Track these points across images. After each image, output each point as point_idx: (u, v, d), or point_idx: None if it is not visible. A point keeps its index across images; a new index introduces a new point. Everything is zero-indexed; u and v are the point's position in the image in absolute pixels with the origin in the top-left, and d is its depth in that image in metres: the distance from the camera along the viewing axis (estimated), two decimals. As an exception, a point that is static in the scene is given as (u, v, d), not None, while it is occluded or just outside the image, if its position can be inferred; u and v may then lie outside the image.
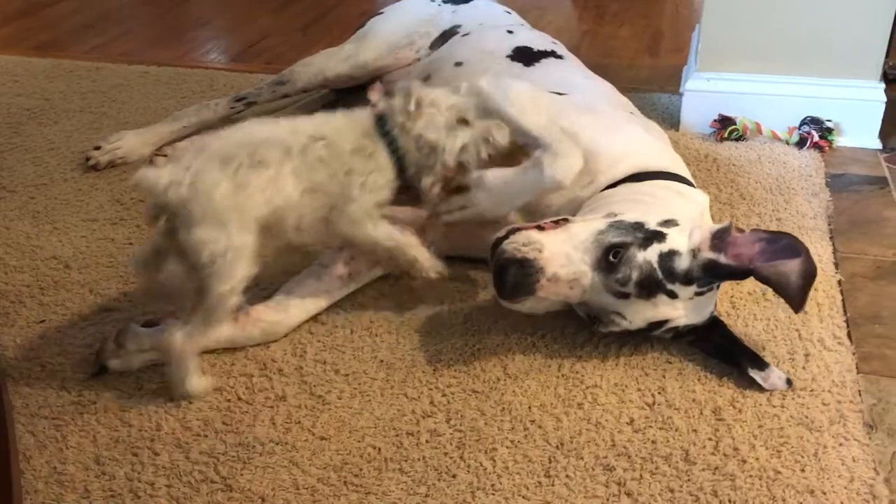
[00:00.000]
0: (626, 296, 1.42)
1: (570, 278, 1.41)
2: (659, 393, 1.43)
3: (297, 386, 1.46)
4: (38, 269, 1.77)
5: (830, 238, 1.85)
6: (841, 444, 1.32)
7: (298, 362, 1.51)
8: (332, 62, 2.27)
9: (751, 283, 1.69)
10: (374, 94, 2.30)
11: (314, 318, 1.60)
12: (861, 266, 1.77)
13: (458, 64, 2.02)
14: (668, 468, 1.29)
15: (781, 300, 1.62)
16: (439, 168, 1.50)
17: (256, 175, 1.36)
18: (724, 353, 1.49)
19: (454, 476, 1.28)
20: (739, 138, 2.25)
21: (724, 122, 2.26)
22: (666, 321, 1.46)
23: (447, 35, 2.22)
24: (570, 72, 1.94)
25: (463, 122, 1.51)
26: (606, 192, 1.59)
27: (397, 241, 1.49)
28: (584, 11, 3.43)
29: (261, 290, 1.67)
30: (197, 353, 1.41)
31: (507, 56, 1.97)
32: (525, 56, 1.97)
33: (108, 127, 2.37)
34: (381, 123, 1.50)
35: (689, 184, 1.66)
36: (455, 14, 2.27)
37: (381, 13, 2.39)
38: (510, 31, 2.09)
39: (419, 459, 1.31)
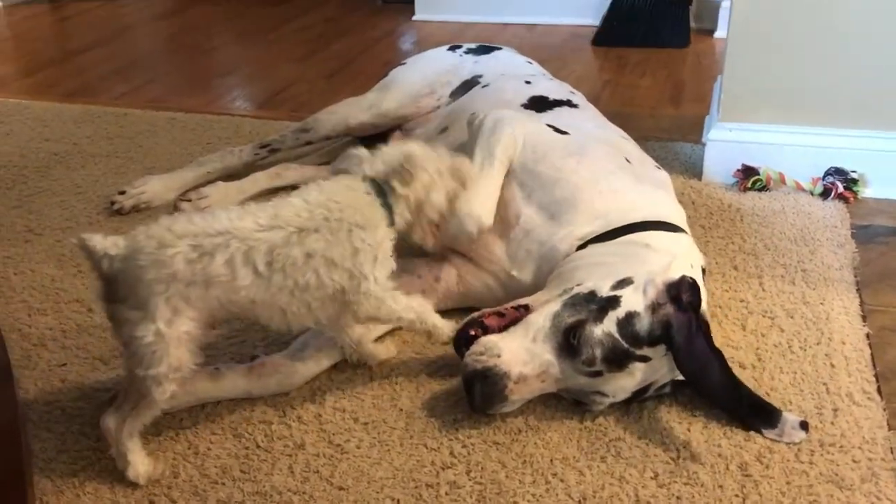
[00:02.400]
0: (598, 374, 1.40)
1: (538, 372, 1.40)
2: (684, 447, 1.40)
3: (315, 434, 1.44)
4: (61, 312, 1.78)
5: (857, 290, 1.82)
6: (873, 504, 1.28)
7: (318, 410, 1.49)
8: (354, 110, 2.30)
9: (776, 335, 1.67)
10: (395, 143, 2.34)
11: (333, 366, 1.59)
12: (889, 319, 1.74)
13: None
14: (693, 525, 1.26)
15: (808, 353, 1.61)
16: (426, 223, 1.49)
17: (204, 267, 1.28)
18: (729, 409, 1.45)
19: (474, 530, 1.25)
20: (763, 188, 2.24)
21: (748, 172, 2.25)
22: (651, 384, 1.44)
23: (468, 85, 2.24)
24: (581, 120, 1.94)
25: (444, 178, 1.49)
26: (576, 255, 1.58)
27: (416, 311, 1.46)
28: (606, 61, 3.46)
29: (277, 338, 1.66)
30: (134, 436, 1.33)
31: (522, 105, 1.99)
32: (539, 104, 1.99)
33: (134, 172, 2.40)
34: (377, 188, 1.44)
35: (679, 229, 1.64)
36: (477, 64, 2.29)
37: (404, 63, 2.43)
38: (528, 82, 2.11)
39: (439, 512, 1.29)
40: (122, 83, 3.26)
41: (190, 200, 2.12)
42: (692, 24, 3.66)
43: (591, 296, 1.43)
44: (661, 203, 1.69)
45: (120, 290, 1.29)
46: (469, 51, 2.37)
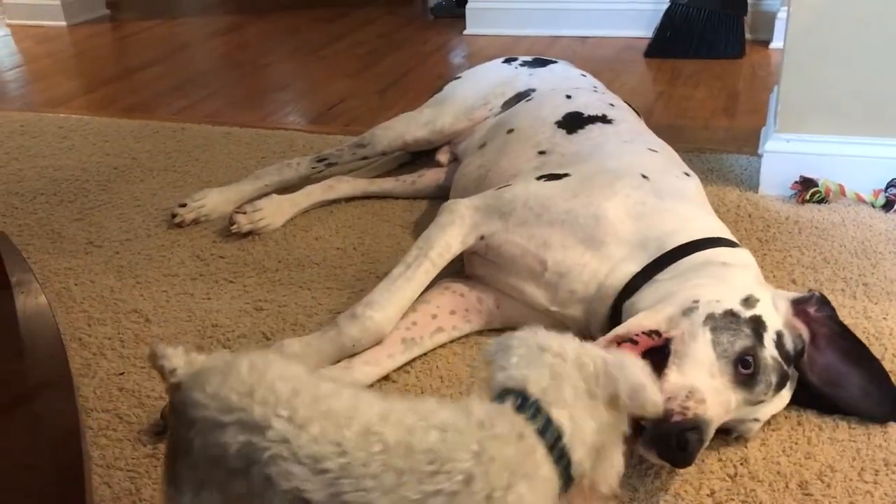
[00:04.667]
0: (762, 401, 1.35)
1: (724, 412, 1.30)
2: (741, 464, 1.37)
3: (367, 445, 1.44)
4: (119, 323, 1.82)
5: (922, 305, 1.77)
6: (941, 526, 1.24)
7: (369, 421, 1.50)
8: (411, 127, 2.31)
9: (837, 351, 1.62)
10: (443, 157, 2.34)
11: (385, 377, 1.59)
12: (956, 335, 1.68)
13: (511, 131, 2.03)
14: (752, 544, 1.23)
15: (871, 369, 1.56)
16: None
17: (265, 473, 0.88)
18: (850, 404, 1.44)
19: (526, 544, 1.24)
20: (822, 201, 2.19)
21: (806, 183, 2.20)
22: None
23: (521, 97, 2.23)
24: (610, 137, 1.89)
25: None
26: (660, 278, 1.50)
27: None
28: (659, 73, 3.42)
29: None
30: None
31: (556, 122, 1.97)
32: (572, 122, 1.95)
33: (191, 185, 2.45)
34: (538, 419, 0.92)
35: (733, 243, 1.60)
36: (531, 77, 2.29)
37: (459, 77, 2.43)
38: (569, 97, 2.08)
39: (490, 525, 1.27)
40: (179, 99, 3.34)
41: (245, 213, 2.15)
42: (747, 35, 3.60)
43: (732, 316, 1.36)
44: (694, 218, 1.64)
45: (166, 423, 1.07)
46: (524, 63, 2.36)
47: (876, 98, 2.15)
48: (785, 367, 1.36)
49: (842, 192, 2.19)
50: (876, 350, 1.61)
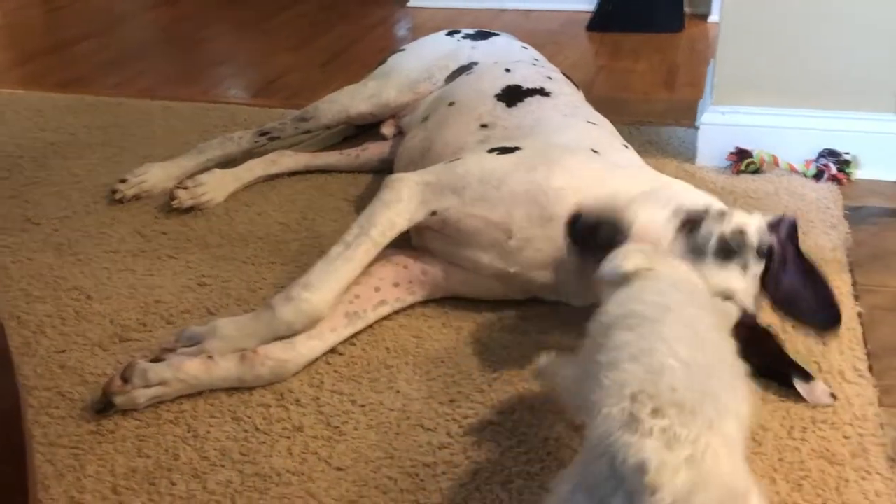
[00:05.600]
0: (702, 255, 1.42)
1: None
2: (677, 425, 1.42)
3: (313, 416, 1.46)
4: (59, 300, 1.79)
5: (850, 270, 1.84)
6: (863, 478, 1.30)
7: (315, 393, 1.51)
8: (355, 101, 2.29)
9: (769, 316, 1.68)
10: (388, 130, 2.34)
11: (332, 350, 1.60)
12: (881, 298, 1.75)
13: (452, 104, 2.03)
14: (687, 501, 1.27)
15: (800, 332, 1.62)
16: None
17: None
18: (770, 367, 1.48)
19: (471, 508, 1.27)
20: (756, 171, 2.25)
21: (741, 154, 2.26)
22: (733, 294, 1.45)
23: (464, 70, 2.24)
24: (549, 110, 1.90)
25: None
26: None
27: None
28: (601, 47, 3.46)
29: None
30: None
31: (496, 95, 1.97)
32: (511, 95, 1.97)
33: (130, 160, 2.41)
34: None
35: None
36: (474, 50, 2.30)
37: (403, 50, 2.43)
38: (508, 70, 2.09)
39: (436, 491, 1.30)
40: (115, 73, 3.26)
41: (187, 188, 2.13)
42: (686, 9, 3.66)
43: (704, 209, 1.50)
44: (661, 178, 1.69)
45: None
46: (467, 36, 2.37)
47: (807, 71, 2.21)
48: (731, 245, 1.44)
49: (775, 162, 2.25)
50: (805, 314, 1.67)
